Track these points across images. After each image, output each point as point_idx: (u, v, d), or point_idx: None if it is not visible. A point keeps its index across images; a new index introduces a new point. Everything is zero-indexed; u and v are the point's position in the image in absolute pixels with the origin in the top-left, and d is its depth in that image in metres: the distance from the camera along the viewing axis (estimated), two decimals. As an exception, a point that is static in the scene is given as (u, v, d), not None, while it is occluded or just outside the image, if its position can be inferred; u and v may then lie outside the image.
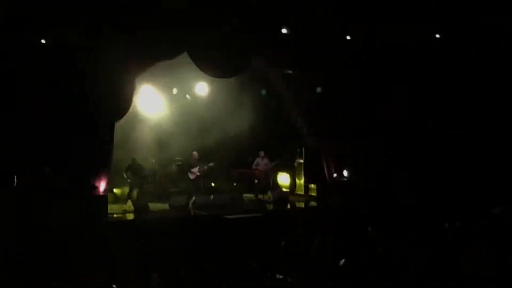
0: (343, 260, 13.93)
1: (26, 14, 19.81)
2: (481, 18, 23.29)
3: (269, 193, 25.45)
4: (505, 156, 23.50)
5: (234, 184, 27.42)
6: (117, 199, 24.23)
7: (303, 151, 26.85)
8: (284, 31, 22.83)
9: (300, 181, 27.01)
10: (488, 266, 14.11)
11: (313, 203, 25.11)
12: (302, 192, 26.70)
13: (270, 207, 24.28)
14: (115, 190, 24.54)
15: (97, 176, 21.37)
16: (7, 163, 20.12)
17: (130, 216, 22.09)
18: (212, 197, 24.23)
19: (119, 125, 22.35)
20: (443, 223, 18.16)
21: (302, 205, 25.09)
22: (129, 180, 23.60)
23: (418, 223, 18.74)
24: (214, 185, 26.50)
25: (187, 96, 27.12)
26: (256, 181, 25.91)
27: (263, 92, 27.15)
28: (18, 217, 18.99)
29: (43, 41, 20.39)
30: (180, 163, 26.70)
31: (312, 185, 26.23)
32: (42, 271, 16.96)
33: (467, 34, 23.89)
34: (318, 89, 24.88)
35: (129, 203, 22.89)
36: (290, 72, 25.53)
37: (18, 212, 19.27)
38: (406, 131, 24.47)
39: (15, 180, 20.37)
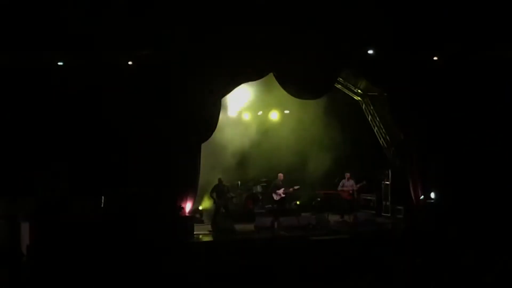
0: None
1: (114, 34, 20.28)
2: None
3: (355, 214, 25.21)
4: None
5: (318, 199, 27.21)
6: (203, 221, 24.28)
7: (390, 172, 26.54)
8: (370, 52, 22.68)
9: (387, 203, 26.67)
10: None
11: (400, 225, 24.73)
12: (389, 214, 26.31)
13: (356, 228, 24.02)
14: (201, 208, 24.67)
15: (183, 197, 21.58)
16: (96, 184, 20.54)
17: (216, 237, 22.16)
18: (298, 218, 24.12)
19: (204, 146, 22.55)
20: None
21: (389, 227, 24.74)
22: (214, 202, 23.71)
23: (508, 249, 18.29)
24: (299, 203, 26.37)
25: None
26: (342, 202, 25.69)
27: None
28: (105, 237, 19.32)
29: (130, 63, 20.80)
30: (265, 184, 26.73)
31: (399, 207, 25.84)
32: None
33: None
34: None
35: (215, 223, 22.95)
36: (376, 94, 25.35)
37: (106, 232, 19.62)
38: (495, 152, 23.96)
39: (103, 201, 20.75)
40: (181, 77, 21.02)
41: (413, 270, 16.17)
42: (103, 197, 20.80)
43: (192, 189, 22.00)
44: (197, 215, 24.00)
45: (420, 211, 24.56)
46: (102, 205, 20.78)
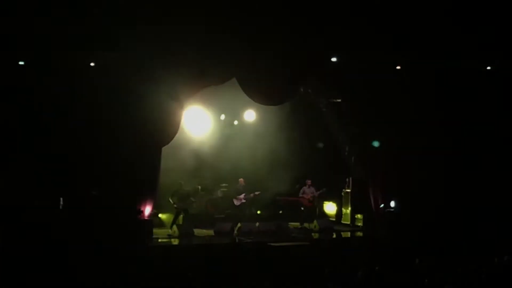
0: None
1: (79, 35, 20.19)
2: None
3: (315, 221, 25.33)
4: None
5: (280, 212, 27.35)
6: (162, 224, 24.23)
7: (350, 180, 26.69)
8: (333, 59, 22.82)
9: (347, 211, 26.79)
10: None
11: (359, 233, 24.91)
12: (348, 222, 26.47)
13: (316, 236, 24.15)
14: (160, 215, 24.61)
15: (142, 200, 21.53)
16: (54, 185, 20.41)
17: (175, 241, 22.14)
18: (257, 224, 24.19)
19: (165, 149, 22.54)
20: (493, 257, 17.93)
21: (348, 234, 24.89)
22: (175, 206, 23.68)
23: (466, 256, 18.50)
24: (260, 213, 26.48)
25: (235, 122, 27.26)
26: (302, 209, 25.80)
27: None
28: (63, 238, 19.22)
29: (92, 64, 20.72)
30: (226, 189, 26.78)
31: (359, 215, 26.00)
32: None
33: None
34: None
35: (174, 228, 22.91)
36: (339, 100, 25.52)
37: (63, 233, 19.52)
38: (454, 163, 24.26)
39: (61, 202, 20.63)
40: (143, 80, 20.96)
41: (370, 278, 16.26)
42: (61, 199, 20.68)
43: (151, 193, 21.98)
44: (157, 219, 23.92)
45: (379, 219, 24.78)
46: (60, 207, 20.66)
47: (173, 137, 22.13)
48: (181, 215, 23.90)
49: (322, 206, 27.69)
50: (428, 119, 24.17)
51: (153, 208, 22.55)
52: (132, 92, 20.86)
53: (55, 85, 20.65)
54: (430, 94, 24.01)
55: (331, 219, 26.87)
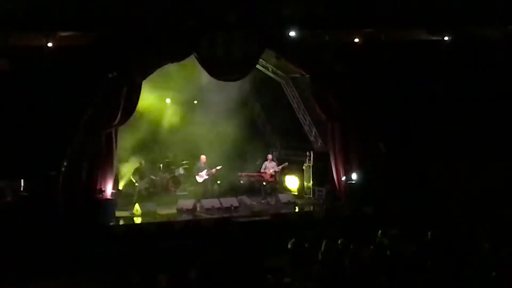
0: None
1: (35, 16, 19.96)
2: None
3: (277, 196, 25.48)
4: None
5: (240, 180, 27.40)
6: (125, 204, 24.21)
7: (312, 154, 26.84)
8: (292, 33, 22.84)
9: (308, 184, 26.97)
10: (495, 269, 14.14)
11: (321, 207, 25.07)
12: (311, 195, 26.66)
13: (278, 210, 24.28)
14: (120, 187, 24.58)
15: (102, 180, 21.47)
16: (13, 167, 20.28)
17: (138, 220, 22.15)
18: (219, 200, 24.26)
19: (125, 128, 22.52)
20: (453, 226, 18.22)
21: (310, 208, 25.08)
22: (136, 184, 23.67)
23: (427, 226, 18.75)
24: (220, 184, 26.48)
25: (195, 101, 27.23)
26: (264, 184, 25.91)
27: None
28: (25, 222, 19.16)
29: (49, 44, 20.51)
30: (187, 166, 26.79)
31: (320, 188, 26.17)
32: (52, 274, 17.15)
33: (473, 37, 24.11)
34: None
35: (137, 206, 22.90)
36: (298, 75, 25.59)
37: (26, 216, 19.45)
38: (413, 132, 24.46)
39: (22, 185, 20.53)
40: (100, 60, 20.80)
41: (332, 250, 16.43)
42: (22, 180, 20.58)
43: (110, 172, 21.92)
44: (118, 198, 23.88)
45: (341, 192, 24.97)
46: (21, 189, 20.56)
47: (130, 116, 22.03)
48: (143, 194, 23.91)
49: (284, 181, 27.82)
50: (387, 91, 24.27)
51: (113, 187, 22.55)
52: (88, 71, 20.67)
53: (17, 66, 20.48)
54: (389, 67, 24.10)
55: (293, 193, 27.00)
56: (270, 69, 26.31)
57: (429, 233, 16.79)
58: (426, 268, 14.50)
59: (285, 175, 27.65)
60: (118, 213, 22.14)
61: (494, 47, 24.16)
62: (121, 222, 21.65)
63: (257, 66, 24.57)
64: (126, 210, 23.20)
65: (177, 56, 22.29)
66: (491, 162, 23.78)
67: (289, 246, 16.47)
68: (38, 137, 20.19)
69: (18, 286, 16.83)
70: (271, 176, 25.59)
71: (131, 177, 23.74)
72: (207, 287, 13.94)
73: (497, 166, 23.71)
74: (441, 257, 15.35)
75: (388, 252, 15.73)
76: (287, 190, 27.39)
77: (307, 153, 27.05)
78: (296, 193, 27.07)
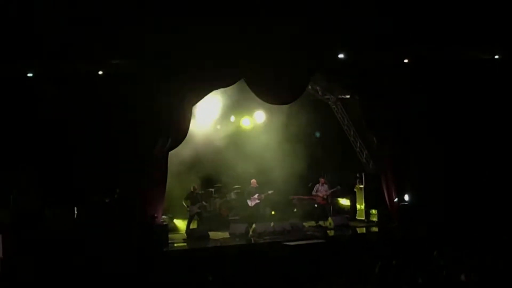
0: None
1: (84, 45, 20.27)
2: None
3: (330, 219, 25.37)
4: None
5: (295, 210, 27.38)
6: (177, 230, 24.33)
7: (363, 176, 26.73)
8: (341, 56, 22.85)
9: (361, 206, 26.83)
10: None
11: (374, 229, 24.92)
12: (363, 218, 26.51)
13: (331, 233, 24.18)
14: (175, 221, 24.75)
15: (154, 206, 21.57)
16: (68, 194, 20.52)
17: (191, 245, 22.20)
18: (272, 224, 24.23)
19: (176, 154, 22.68)
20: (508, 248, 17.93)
21: (363, 230, 24.95)
22: (188, 209, 23.77)
23: (484, 246, 18.51)
24: (274, 213, 26.53)
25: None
26: (316, 207, 25.84)
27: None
28: (80, 248, 19.30)
29: (100, 72, 20.81)
30: (239, 191, 26.82)
31: (373, 210, 26.03)
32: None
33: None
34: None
35: (190, 231, 22.98)
36: (348, 97, 25.55)
37: (80, 243, 19.60)
38: (466, 154, 24.24)
39: (76, 212, 20.74)
40: (151, 86, 21.03)
41: (388, 272, 16.29)
42: (75, 207, 20.79)
43: (161, 198, 22.03)
44: (172, 224, 24.03)
45: (394, 213, 24.79)
46: (75, 216, 20.77)
47: (182, 141, 22.17)
48: (196, 219, 24.00)
49: (336, 204, 27.72)
50: (437, 112, 24.12)
51: (164, 212, 22.71)
52: (140, 98, 20.92)
53: (65, 94, 20.78)
54: (438, 87, 23.95)
55: (346, 216, 26.88)
56: (320, 92, 26.29)
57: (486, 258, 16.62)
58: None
59: (338, 197, 27.54)
60: (171, 239, 22.19)
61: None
62: (176, 248, 21.74)
63: (307, 89, 24.52)
64: (180, 235, 23.33)
65: (227, 81, 22.40)
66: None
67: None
68: (92, 164, 20.44)
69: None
70: (323, 199, 25.51)
71: (183, 202, 23.82)
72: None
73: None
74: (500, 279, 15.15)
75: (444, 272, 15.56)
76: (340, 212, 27.22)
77: (359, 175, 26.94)
78: (348, 216, 26.91)
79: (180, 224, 24.78)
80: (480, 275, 15.46)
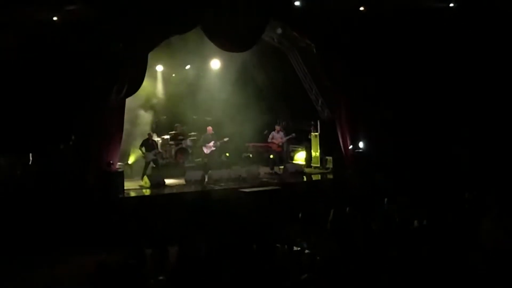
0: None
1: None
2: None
3: (284, 165, 25.49)
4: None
5: (250, 156, 27.42)
6: (132, 176, 24.23)
7: (318, 123, 26.80)
8: (297, 3, 22.76)
9: (316, 154, 26.96)
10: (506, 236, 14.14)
11: (329, 176, 25.10)
12: (318, 165, 26.66)
13: (286, 179, 24.29)
14: (130, 162, 24.65)
15: (110, 152, 21.41)
16: (22, 141, 20.27)
17: (147, 192, 22.16)
18: (228, 171, 24.28)
19: (132, 100, 22.51)
20: (462, 193, 18.18)
21: (318, 177, 25.12)
22: (144, 156, 23.66)
23: (436, 194, 18.75)
24: (228, 156, 26.52)
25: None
26: (271, 154, 25.91)
27: None
28: (35, 194, 19.17)
29: (55, 18, 20.43)
30: (195, 138, 26.76)
31: (328, 158, 26.18)
32: (62, 247, 17.20)
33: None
34: None
35: (145, 179, 22.91)
36: (304, 45, 25.47)
37: (35, 189, 19.46)
38: (420, 101, 24.41)
39: (31, 158, 20.53)
40: (106, 33, 20.69)
41: (341, 219, 16.45)
42: (30, 154, 20.59)
43: (117, 145, 21.86)
44: (127, 171, 23.89)
45: (348, 161, 24.97)
46: (30, 162, 20.58)
47: (137, 88, 21.87)
48: (151, 166, 23.92)
49: (291, 151, 27.84)
50: (392, 60, 24.19)
51: (120, 159, 22.65)
52: (95, 45, 20.57)
53: (19, 41, 20.37)
54: (393, 36, 23.99)
55: (301, 162, 26.99)
56: (275, 39, 26.14)
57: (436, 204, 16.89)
58: (433, 237, 14.52)
59: (293, 145, 27.65)
60: (127, 185, 22.11)
61: (502, 15, 23.98)
62: (131, 194, 21.66)
63: (263, 36, 24.37)
64: (135, 182, 23.27)
65: (183, 28, 22.16)
66: (500, 129, 23.77)
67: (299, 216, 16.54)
68: (46, 111, 20.17)
69: (29, 259, 16.84)
70: (279, 146, 25.57)
71: (139, 149, 23.69)
72: (217, 258, 13.96)
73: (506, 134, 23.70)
74: (449, 226, 15.38)
75: (396, 219, 15.75)
76: (295, 159, 27.37)
77: (314, 123, 26.99)
78: (304, 163, 27.06)
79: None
80: (431, 222, 15.70)
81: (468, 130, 23.86)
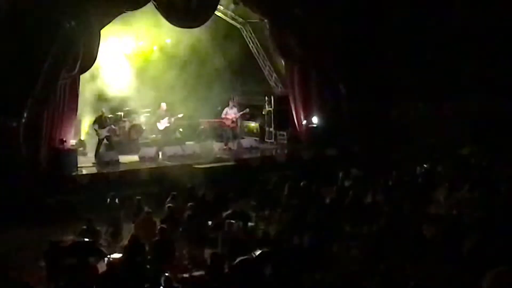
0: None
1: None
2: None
3: (238, 141, 25.42)
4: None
5: (203, 131, 27.25)
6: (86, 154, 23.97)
7: (272, 98, 26.75)
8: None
9: (270, 129, 26.95)
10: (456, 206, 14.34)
11: (283, 150, 25.11)
12: (272, 140, 26.65)
13: (240, 155, 24.23)
14: (82, 138, 24.35)
15: (63, 130, 21.16)
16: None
17: (100, 169, 21.92)
18: (181, 147, 24.13)
19: (85, 77, 22.21)
20: (414, 166, 18.35)
21: (272, 152, 25.11)
22: (97, 133, 23.38)
23: (389, 167, 18.87)
24: (183, 136, 26.39)
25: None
26: (225, 130, 25.79)
27: None
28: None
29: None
30: (149, 114, 26.53)
31: (282, 132, 26.19)
32: (15, 225, 16.99)
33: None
34: None
35: (99, 155, 22.67)
36: (256, 21, 25.40)
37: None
38: (373, 74, 24.49)
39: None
40: (57, 9, 20.34)
41: (296, 193, 16.48)
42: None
43: (71, 122, 21.63)
44: (80, 148, 23.60)
45: (302, 136, 25.03)
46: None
47: (91, 65, 21.66)
48: (105, 143, 23.65)
49: (246, 126, 27.77)
50: (343, 35, 24.22)
51: (74, 137, 22.41)
52: (49, 22, 20.21)
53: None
54: (345, 7, 24.01)
55: (255, 138, 26.93)
56: (228, 15, 25.97)
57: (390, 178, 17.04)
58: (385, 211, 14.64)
59: (246, 120, 27.58)
60: (81, 162, 21.88)
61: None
62: (85, 172, 21.41)
63: (216, 12, 24.21)
64: (89, 159, 23.03)
65: (135, 3, 21.88)
66: (448, 102, 23.98)
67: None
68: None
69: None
70: (232, 121, 25.45)
71: (92, 126, 23.42)
72: (171, 234, 13.90)
73: (456, 106, 23.90)
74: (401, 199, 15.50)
75: (350, 192, 15.81)
76: (249, 135, 27.31)
77: (267, 98, 26.93)
78: (258, 138, 26.99)
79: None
80: (384, 196, 15.82)
81: (420, 105, 24.04)
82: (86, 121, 24.17)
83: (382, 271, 10.34)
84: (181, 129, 26.36)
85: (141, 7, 22.10)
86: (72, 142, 21.92)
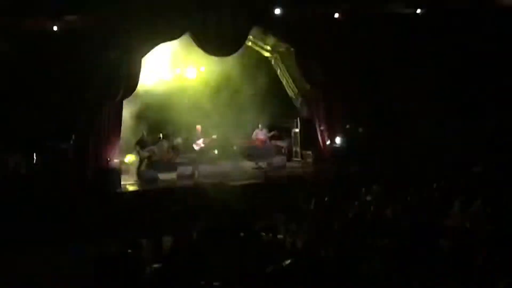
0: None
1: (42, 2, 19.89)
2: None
3: (268, 160, 25.59)
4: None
5: (234, 148, 27.48)
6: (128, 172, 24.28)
7: (298, 121, 26.99)
8: (277, 11, 22.98)
9: (297, 149, 27.21)
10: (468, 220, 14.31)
11: (309, 169, 25.22)
12: (299, 159, 26.85)
13: (270, 173, 24.39)
14: (126, 161, 24.67)
15: (108, 151, 21.52)
16: (27, 141, 20.29)
17: (142, 186, 22.23)
18: (216, 166, 24.36)
19: (128, 102, 22.59)
20: (431, 184, 18.32)
21: (299, 170, 25.24)
22: (139, 153, 23.71)
23: (408, 185, 18.85)
24: (217, 156, 26.63)
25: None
26: (256, 150, 26.01)
27: None
28: (39, 192, 19.18)
29: (55, 28, 20.44)
30: (186, 136, 26.81)
31: (308, 152, 26.35)
32: (66, 242, 17.19)
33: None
34: None
35: (140, 174, 22.97)
36: (284, 49, 25.63)
37: (38, 187, 19.47)
38: (392, 98, 24.58)
39: (35, 157, 20.54)
40: (102, 40, 20.76)
41: (321, 208, 16.57)
42: (34, 153, 20.61)
43: (115, 143, 21.99)
44: (123, 167, 23.92)
45: (327, 155, 25.14)
46: (34, 162, 20.60)
47: (133, 91, 22.06)
48: (145, 162, 23.94)
49: (274, 147, 27.96)
50: (366, 63, 24.37)
51: (119, 157, 22.72)
52: (93, 52, 20.62)
53: (22, 49, 20.37)
54: (366, 40, 24.14)
55: (283, 157, 27.07)
56: (258, 44, 26.22)
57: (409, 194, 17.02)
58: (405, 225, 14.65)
59: (275, 140, 27.77)
60: (123, 181, 22.24)
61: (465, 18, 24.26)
62: (128, 189, 21.76)
63: (247, 42, 24.54)
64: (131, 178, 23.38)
65: (172, 35, 22.26)
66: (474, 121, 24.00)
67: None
68: (49, 114, 20.19)
69: (34, 254, 16.83)
70: (262, 142, 25.71)
71: (134, 146, 23.77)
72: (208, 245, 14.02)
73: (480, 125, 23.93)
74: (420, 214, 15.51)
75: (372, 208, 15.87)
76: (278, 153, 27.47)
77: (295, 120, 27.22)
78: (286, 157, 27.14)
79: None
80: (404, 210, 15.83)
81: (438, 124, 24.04)
82: (128, 142, 24.45)
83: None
84: (215, 150, 26.60)
85: (177, 38, 22.51)
86: (116, 161, 22.25)
